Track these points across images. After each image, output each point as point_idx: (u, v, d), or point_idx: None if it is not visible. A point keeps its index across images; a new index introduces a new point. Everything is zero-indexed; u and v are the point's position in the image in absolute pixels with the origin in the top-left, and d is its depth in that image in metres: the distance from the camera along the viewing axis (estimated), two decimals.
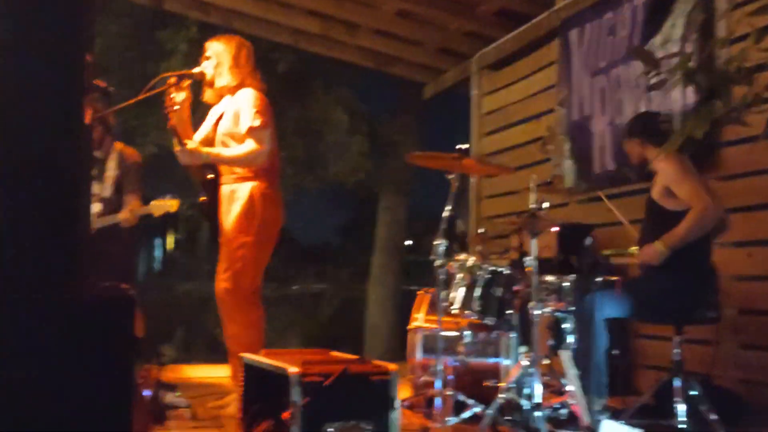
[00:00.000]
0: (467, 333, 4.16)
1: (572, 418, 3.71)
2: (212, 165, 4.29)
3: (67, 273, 2.27)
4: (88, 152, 2.64)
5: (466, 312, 3.99)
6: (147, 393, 3.84)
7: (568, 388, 3.74)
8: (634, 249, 4.04)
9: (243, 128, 4.14)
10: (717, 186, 4.24)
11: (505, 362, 4.35)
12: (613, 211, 4.46)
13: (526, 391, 3.77)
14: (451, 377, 3.97)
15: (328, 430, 2.89)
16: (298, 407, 2.86)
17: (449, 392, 3.82)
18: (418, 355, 4.46)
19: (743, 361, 4.39)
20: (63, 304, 2.23)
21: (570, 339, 3.92)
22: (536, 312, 3.79)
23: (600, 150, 5.55)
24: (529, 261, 3.83)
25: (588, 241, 3.96)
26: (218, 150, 4.23)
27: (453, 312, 4.05)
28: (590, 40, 5.73)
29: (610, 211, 5.37)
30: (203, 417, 4.15)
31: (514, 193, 6.50)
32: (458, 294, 4.02)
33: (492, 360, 4.39)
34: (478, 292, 3.99)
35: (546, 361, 3.95)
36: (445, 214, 3.99)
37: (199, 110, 4.47)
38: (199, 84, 4.32)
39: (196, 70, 4.25)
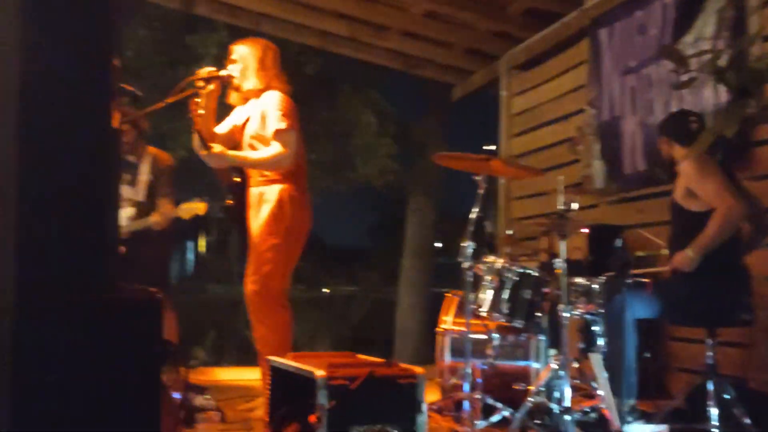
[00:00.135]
0: (495, 336, 4.13)
1: (602, 421, 3.67)
2: (239, 168, 4.31)
3: (96, 276, 2.28)
4: (116, 156, 2.66)
5: (495, 314, 3.97)
6: (176, 395, 3.86)
7: (598, 391, 3.70)
8: (665, 251, 3.99)
9: (269, 131, 4.14)
10: (750, 186, 4.15)
11: (534, 365, 4.31)
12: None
13: (555, 394, 3.74)
14: (479, 380, 3.94)
15: None
16: (324, 410, 2.85)
17: (477, 395, 3.79)
18: (447, 358, 4.44)
19: None
20: (91, 307, 2.24)
21: (600, 342, 3.88)
22: (565, 314, 3.75)
23: (630, 150, 5.49)
24: (558, 263, 3.79)
25: (618, 242, 3.91)
26: (244, 153, 4.24)
27: (481, 314, 4.02)
28: (620, 39, 5.67)
29: (640, 212, 5.33)
30: (232, 420, 4.16)
31: (543, 195, 6.44)
32: (486, 296, 4.00)
33: (521, 363, 4.35)
34: (506, 294, 3.96)
35: (576, 364, 3.90)
36: (473, 215, 3.97)
37: (225, 114, 4.49)
38: (225, 87, 4.34)
39: (223, 73, 4.26)
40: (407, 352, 10.53)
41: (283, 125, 4.13)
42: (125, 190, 5.08)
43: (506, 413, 3.75)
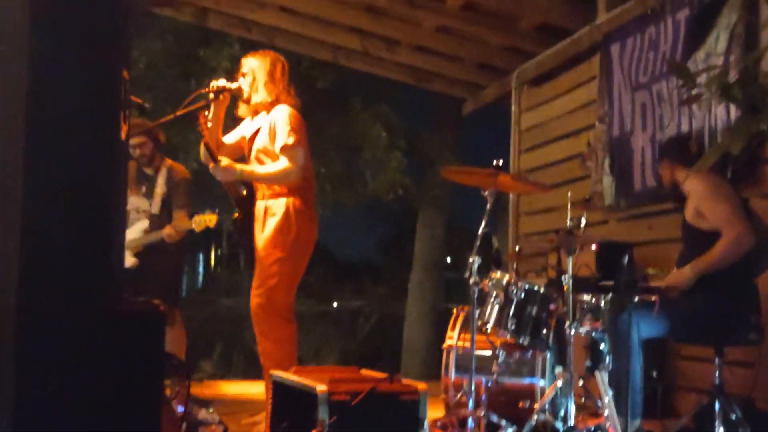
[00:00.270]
0: (501, 352, 4.10)
1: None
2: (247, 181, 4.32)
3: (100, 288, 2.28)
4: (123, 168, 2.67)
5: (500, 331, 3.94)
6: (180, 409, 3.84)
7: (603, 409, 3.66)
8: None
9: (277, 146, 4.16)
10: (759, 204, 4.12)
11: (540, 383, 4.27)
12: None
13: (561, 412, 3.70)
14: (484, 397, 3.91)
15: None
16: (325, 426, 2.83)
17: (482, 412, 3.76)
18: (452, 375, 4.40)
19: None
20: (94, 319, 2.24)
21: (607, 360, 3.84)
22: (571, 332, 3.72)
23: (641, 167, 5.46)
24: (566, 279, 3.76)
25: (625, 259, 3.88)
26: (252, 167, 4.25)
27: (487, 331, 3.99)
28: (631, 55, 5.65)
29: (650, 229, 5.30)
30: None
31: (553, 210, 6.42)
32: (492, 312, 3.97)
33: (527, 380, 4.32)
34: (512, 310, 3.93)
35: (581, 382, 3.86)
36: (481, 230, 3.95)
37: (232, 126, 4.50)
38: (235, 99, 4.36)
39: (233, 85, 4.28)
40: (415, 368, 10.49)
41: (291, 140, 4.14)
42: (140, 202, 5.10)
43: (510, 431, 3.71)
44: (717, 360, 3.71)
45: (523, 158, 7.27)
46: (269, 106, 4.30)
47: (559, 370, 3.93)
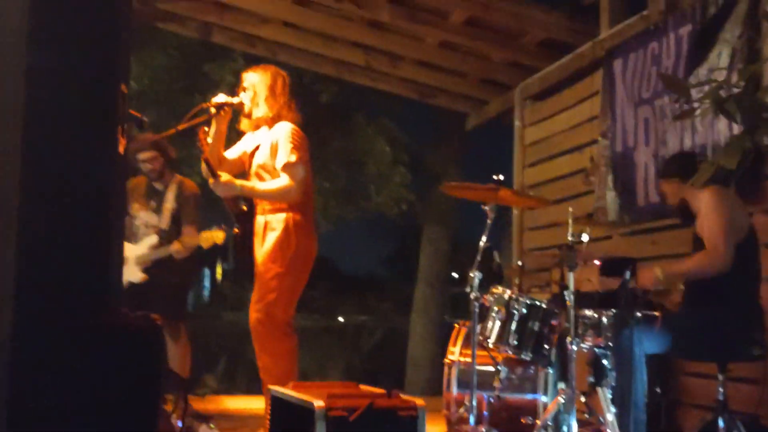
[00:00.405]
0: (503, 368, 4.08)
1: None
2: (247, 197, 4.31)
3: (96, 302, 2.28)
4: (121, 182, 2.66)
5: (502, 346, 3.92)
6: (179, 424, 3.83)
7: (606, 426, 3.63)
8: (681, 286, 3.94)
9: (279, 163, 4.16)
10: (761, 220, 4.10)
11: (542, 398, 4.24)
12: None
13: (563, 428, 3.67)
14: (486, 413, 3.88)
15: None
16: None
17: (483, 428, 3.74)
18: (454, 390, 4.38)
19: None
20: (91, 333, 2.24)
21: (610, 376, 3.82)
22: (573, 347, 3.70)
23: (644, 182, 5.44)
24: (568, 295, 3.74)
25: (627, 274, 3.85)
26: (252, 183, 4.25)
27: (489, 346, 3.97)
28: (634, 71, 5.65)
29: (654, 244, 5.27)
30: None
31: (557, 226, 6.40)
32: (494, 327, 3.95)
33: (529, 396, 4.29)
34: (514, 326, 3.91)
35: (583, 398, 3.83)
36: (482, 245, 3.94)
37: (233, 141, 4.50)
38: (237, 113, 4.37)
39: (234, 100, 4.29)
40: (419, 383, 10.45)
41: (293, 158, 4.14)
42: (150, 217, 5.11)
43: None
44: (720, 376, 3.68)
45: (526, 173, 7.26)
46: (270, 121, 4.30)
47: (561, 386, 3.90)
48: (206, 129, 4.13)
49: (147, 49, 8.88)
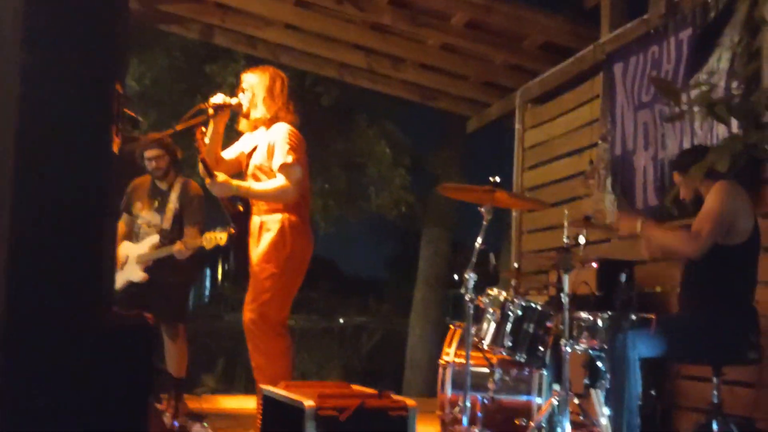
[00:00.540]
0: (498, 369, 4.08)
1: None
2: (244, 197, 4.32)
3: (87, 301, 2.28)
4: (114, 181, 2.67)
5: (497, 348, 3.92)
6: (176, 423, 3.84)
7: (598, 428, 3.64)
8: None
9: (276, 164, 4.17)
10: (760, 224, 4.09)
11: (537, 400, 4.25)
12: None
13: (558, 430, 3.68)
14: (480, 414, 3.88)
15: None
16: None
17: (477, 429, 3.74)
18: (448, 391, 4.38)
19: None
20: (81, 332, 2.24)
21: (605, 378, 3.82)
22: (567, 349, 3.70)
23: (642, 185, 5.44)
24: (563, 297, 3.75)
25: (623, 277, 3.86)
26: (248, 184, 4.26)
27: (484, 347, 3.97)
28: (634, 74, 5.65)
29: None
30: None
31: (555, 228, 6.40)
32: (489, 329, 3.95)
33: (524, 398, 4.29)
34: (509, 327, 3.92)
35: (576, 401, 3.83)
36: (477, 246, 3.94)
37: (231, 142, 4.51)
38: (235, 114, 4.38)
39: (233, 101, 4.29)
40: (417, 384, 10.45)
41: (289, 159, 4.15)
42: (152, 216, 5.12)
43: None
44: (715, 379, 3.67)
45: (526, 176, 7.27)
46: (268, 122, 4.31)
47: (556, 388, 3.91)
48: (203, 129, 4.14)
49: (150, 50, 8.91)
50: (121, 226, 5.25)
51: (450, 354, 4.47)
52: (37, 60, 2.24)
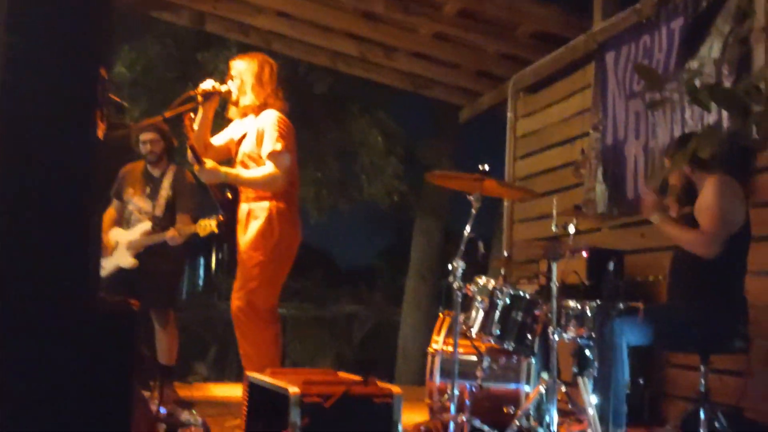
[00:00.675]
0: (486, 357, 4.08)
1: None
2: (231, 184, 4.31)
3: (71, 287, 2.28)
4: (99, 166, 2.65)
5: (485, 336, 3.92)
6: (162, 410, 3.84)
7: (585, 416, 3.64)
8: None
9: (265, 151, 4.15)
10: (752, 213, 4.08)
11: (526, 388, 4.25)
12: None
13: (546, 418, 3.68)
14: (468, 402, 3.88)
15: None
16: (296, 428, 2.81)
17: (464, 417, 3.74)
18: (436, 379, 4.38)
19: None
20: (64, 318, 2.24)
21: (593, 366, 3.82)
22: (555, 338, 3.71)
23: (633, 175, 5.44)
24: (552, 285, 3.75)
25: (610, 266, 3.86)
26: (237, 171, 4.24)
27: (472, 336, 3.97)
28: (626, 64, 5.64)
29: (643, 237, 5.27)
30: None
31: (547, 218, 6.40)
32: (477, 317, 3.95)
33: (512, 386, 4.29)
34: (497, 316, 3.92)
35: (563, 389, 3.84)
36: (466, 235, 3.93)
37: (221, 129, 4.50)
38: (224, 101, 4.36)
39: (222, 88, 4.28)
40: (409, 373, 10.48)
41: (278, 146, 4.13)
42: (144, 203, 5.11)
43: None
44: (702, 368, 3.68)
45: (518, 165, 7.26)
46: (257, 109, 4.29)
47: (544, 376, 3.91)
48: (192, 116, 4.12)
49: (141, 37, 8.87)
50: (112, 211, 5.24)
51: (439, 342, 4.47)
52: (20, 44, 2.23)
